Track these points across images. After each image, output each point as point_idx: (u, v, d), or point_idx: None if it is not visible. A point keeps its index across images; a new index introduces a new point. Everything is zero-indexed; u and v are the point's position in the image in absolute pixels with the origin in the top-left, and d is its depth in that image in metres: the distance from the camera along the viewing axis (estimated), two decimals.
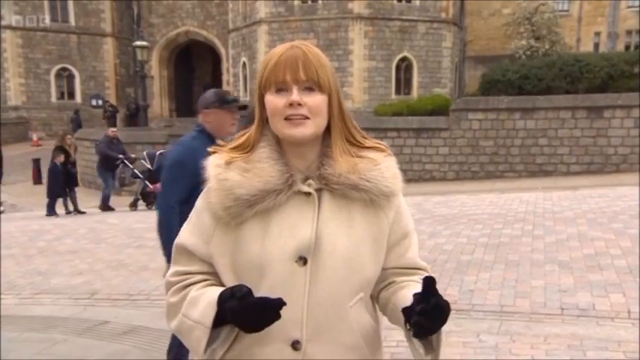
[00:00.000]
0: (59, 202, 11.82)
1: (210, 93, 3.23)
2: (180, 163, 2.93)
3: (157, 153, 12.13)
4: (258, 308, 1.11)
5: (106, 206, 12.13)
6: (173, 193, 2.96)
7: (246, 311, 1.11)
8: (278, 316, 1.11)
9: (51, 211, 11.55)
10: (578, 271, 5.26)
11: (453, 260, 5.86)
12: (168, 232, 2.87)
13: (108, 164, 12.33)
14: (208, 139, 2.97)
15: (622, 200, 8.54)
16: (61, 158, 11.69)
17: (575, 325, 4.07)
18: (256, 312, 1.11)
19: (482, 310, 4.48)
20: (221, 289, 1.21)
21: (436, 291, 1.12)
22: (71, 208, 11.81)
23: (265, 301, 1.11)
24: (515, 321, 4.22)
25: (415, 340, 1.19)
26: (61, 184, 11.58)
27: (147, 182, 11.86)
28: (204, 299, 1.22)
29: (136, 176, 12.13)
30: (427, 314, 1.09)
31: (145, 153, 12.38)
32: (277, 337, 1.21)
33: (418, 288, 1.19)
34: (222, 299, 1.17)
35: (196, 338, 1.21)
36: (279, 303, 1.11)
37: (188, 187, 2.76)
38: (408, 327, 1.16)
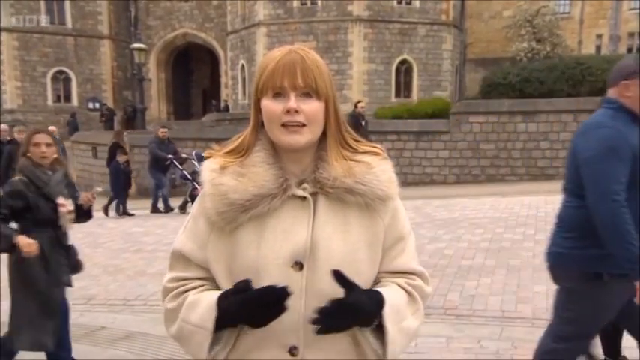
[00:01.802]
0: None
1: (629, 60, 2.64)
2: (613, 149, 2.39)
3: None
4: (265, 296, 1.14)
5: (166, 208, 11.70)
6: (612, 185, 2.38)
7: (253, 302, 1.14)
8: (283, 307, 1.14)
9: (119, 211, 11.26)
10: None
11: (453, 265, 5.85)
12: (617, 231, 2.36)
13: (159, 166, 11.92)
14: (629, 117, 2.48)
15: None
16: (123, 157, 11.38)
17: None
18: (263, 301, 1.14)
19: (483, 315, 4.47)
20: (219, 292, 1.22)
21: (348, 285, 1.16)
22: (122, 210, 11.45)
23: (268, 290, 1.14)
24: (517, 326, 4.21)
25: (374, 341, 1.23)
26: (121, 185, 11.28)
27: (195, 184, 11.63)
28: (203, 303, 1.22)
29: (185, 178, 11.76)
30: (322, 312, 1.13)
31: (193, 153, 12.10)
32: (275, 342, 1.21)
33: (388, 287, 1.26)
34: (221, 299, 1.19)
35: (198, 342, 1.22)
36: (283, 292, 1.13)
37: (626, 175, 2.38)
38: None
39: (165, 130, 12.47)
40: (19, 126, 11.50)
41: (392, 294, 1.25)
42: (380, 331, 1.23)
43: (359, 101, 13.20)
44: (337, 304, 1.14)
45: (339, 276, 1.16)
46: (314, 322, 1.14)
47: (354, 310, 1.17)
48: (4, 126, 13.10)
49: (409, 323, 1.27)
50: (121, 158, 11.40)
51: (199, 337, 1.21)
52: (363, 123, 11.31)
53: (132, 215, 11.35)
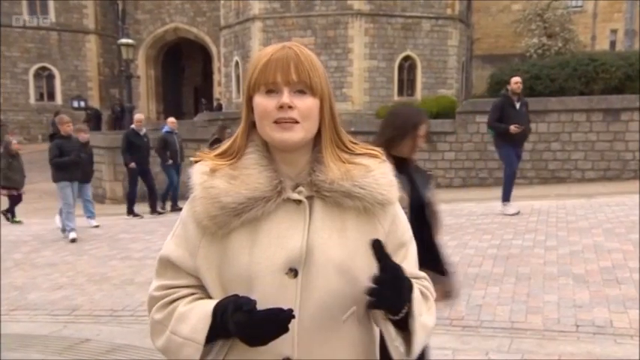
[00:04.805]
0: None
1: None
2: None
3: None
4: (269, 322, 1.13)
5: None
6: None
7: (255, 326, 1.13)
8: (286, 330, 1.13)
9: None
10: (595, 285, 5.26)
11: (459, 273, 5.85)
12: None
13: None
14: None
15: None
16: None
17: (591, 344, 4.07)
18: (266, 326, 1.13)
19: (491, 326, 4.47)
20: (213, 301, 1.22)
21: (386, 257, 1.17)
22: None
23: (275, 313, 1.13)
24: (527, 338, 4.21)
25: (396, 337, 1.22)
26: None
27: None
28: (195, 314, 1.22)
29: None
30: (380, 281, 1.15)
31: None
32: (268, 353, 1.20)
33: None
34: (220, 311, 1.17)
35: (187, 356, 1.21)
36: (289, 316, 1.13)
37: None
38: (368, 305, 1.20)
39: None
40: (61, 115, 10.33)
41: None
42: (399, 326, 1.23)
43: (513, 76, 10.04)
44: (394, 272, 1.16)
45: (378, 247, 1.17)
46: (370, 293, 1.15)
47: (402, 283, 1.18)
48: (139, 115, 12.56)
49: (426, 319, 1.28)
50: None
51: (189, 350, 1.20)
52: (518, 105, 8.72)
53: None
